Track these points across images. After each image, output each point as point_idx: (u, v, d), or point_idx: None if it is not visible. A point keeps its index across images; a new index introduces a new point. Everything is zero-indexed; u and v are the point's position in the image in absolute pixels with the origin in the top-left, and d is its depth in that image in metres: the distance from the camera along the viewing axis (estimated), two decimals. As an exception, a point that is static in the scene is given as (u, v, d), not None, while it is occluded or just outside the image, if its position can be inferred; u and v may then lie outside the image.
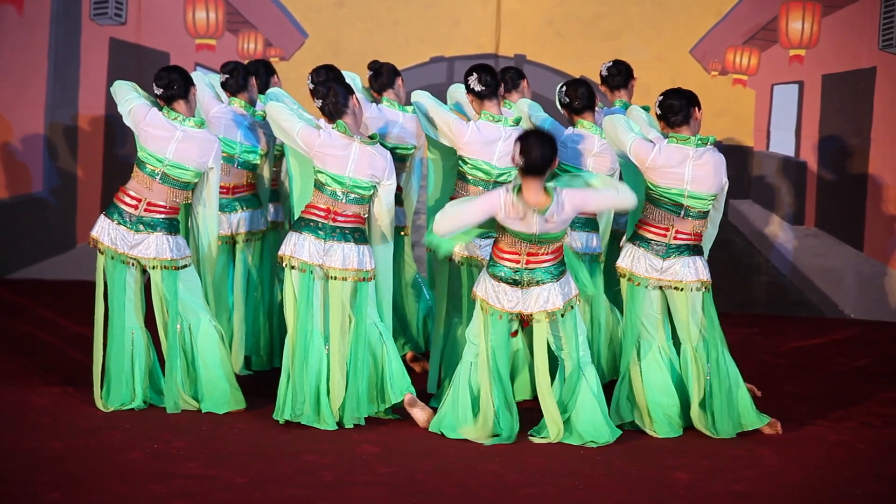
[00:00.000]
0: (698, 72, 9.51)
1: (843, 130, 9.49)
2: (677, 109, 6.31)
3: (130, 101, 6.48)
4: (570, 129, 6.96)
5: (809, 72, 9.51)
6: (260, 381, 7.10)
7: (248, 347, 7.29)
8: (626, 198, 6.14)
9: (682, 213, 6.32)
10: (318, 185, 6.32)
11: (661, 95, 6.37)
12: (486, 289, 6.17)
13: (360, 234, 6.36)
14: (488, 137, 6.65)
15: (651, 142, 6.35)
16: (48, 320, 8.45)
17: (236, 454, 5.89)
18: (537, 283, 6.13)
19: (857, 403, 7.10)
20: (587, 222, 6.99)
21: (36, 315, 8.61)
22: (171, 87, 6.44)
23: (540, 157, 5.93)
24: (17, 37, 9.70)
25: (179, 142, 6.41)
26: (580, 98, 6.89)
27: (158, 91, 6.46)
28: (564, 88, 6.97)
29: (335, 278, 6.30)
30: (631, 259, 6.39)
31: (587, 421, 6.19)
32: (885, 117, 9.40)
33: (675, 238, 6.34)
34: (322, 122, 6.35)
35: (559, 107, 7.05)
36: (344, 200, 6.29)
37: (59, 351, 7.64)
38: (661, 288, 6.37)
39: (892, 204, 9.48)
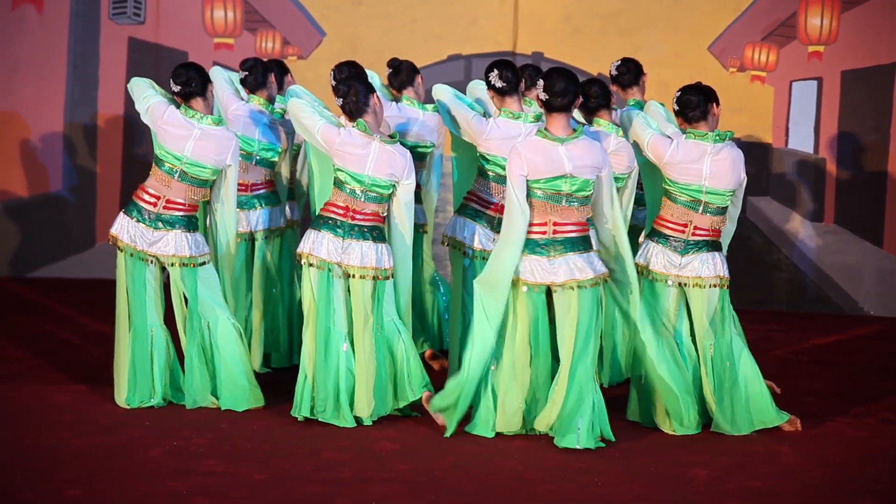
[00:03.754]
0: (716, 68, 9.48)
1: (863, 127, 9.46)
2: (695, 105, 6.30)
3: (148, 98, 6.50)
4: (587, 127, 6.94)
5: (828, 68, 9.48)
6: (279, 378, 7.12)
7: (266, 344, 7.31)
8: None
9: (701, 208, 6.31)
10: (338, 184, 6.33)
11: (678, 91, 6.36)
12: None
13: (378, 232, 6.36)
14: (508, 134, 6.64)
15: (669, 137, 6.35)
16: (68, 318, 8.48)
17: (255, 451, 5.91)
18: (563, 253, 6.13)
19: (876, 400, 7.07)
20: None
21: (56, 313, 8.64)
22: (189, 85, 6.45)
23: (563, 90, 6.01)
24: (37, 36, 9.74)
25: (197, 140, 6.43)
26: (595, 97, 6.88)
27: (176, 88, 6.48)
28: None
29: (353, 276, 6.31)
30: (649, 255, 6.38)
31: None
32: (905, 113, 9.37)
33: (693, 234, 6.33)
34: (343, 120, 6.36)
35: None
36: (363, 199, 6.30)
37: (79, 349, 7.67)
38: (679, 284, 6.36)
39: (911, 200, 9.45)
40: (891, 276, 9.45)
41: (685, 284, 6.35)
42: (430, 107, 7.15)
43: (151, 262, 6.49)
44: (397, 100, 7.24)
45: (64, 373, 7.10)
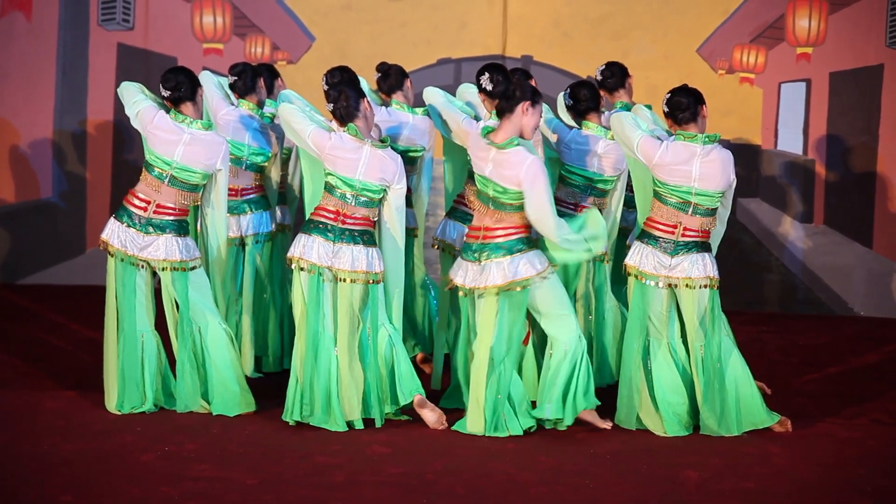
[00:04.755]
0: (705, 71, 9.51)
1: (851, 128, 9.49)
2: (685, 107, 6.31)
3: (138, 103, 6.50)
4: (575, 129, 6.96)
5: (817, 70, 9.51)
6: (270, 382, 7.12)
7: (257, 348, 7.31)
8: (557, 236, 6.21)
9: (690, 210, 6.33)
10: (328, 188, 6.33)
11: (668, 93, 6.37)
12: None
13: (369, 236, 6.37)
14: None
15: (658, 139, 6.36)
16: (59, 325, 8.47)
17: (247, 456, 5.91)
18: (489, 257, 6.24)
19: (867, 400, 7.09)
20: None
21: (47, 320, 8.63)
22: (179, 90, 6.45)
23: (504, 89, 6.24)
24: (26, 43, 9.73)
25: (187, 144, 6.43)
26: (584, 99, 6.91)
27: (166, 93, 6.48)
28: (568, 91, 7.00)
29: (344, 280, 6.32)
30: (639, 257, 6.40)
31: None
32: (893, 114, 9.39)
33: (683, 235, 6.34)
34: (334, 124, 6.37)
35: (564, 110, 7.07)
36: (353, 203, 6.31)
37: (70, 355, 7.67)
38: (669, 285, 6.38)
39: (900, 201, 9.47)
40: (881, 276, 9.47)
41: (675, 285, 6.36)
42: (419, 110, 7.15)
43: (142, 266, 6.49)
44: (387, 104, 7.24)
45: (55, 379, 7.10)
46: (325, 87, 6.76)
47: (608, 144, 6.85)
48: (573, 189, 6.96)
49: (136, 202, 6.47)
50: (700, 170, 6.27)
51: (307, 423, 6.32)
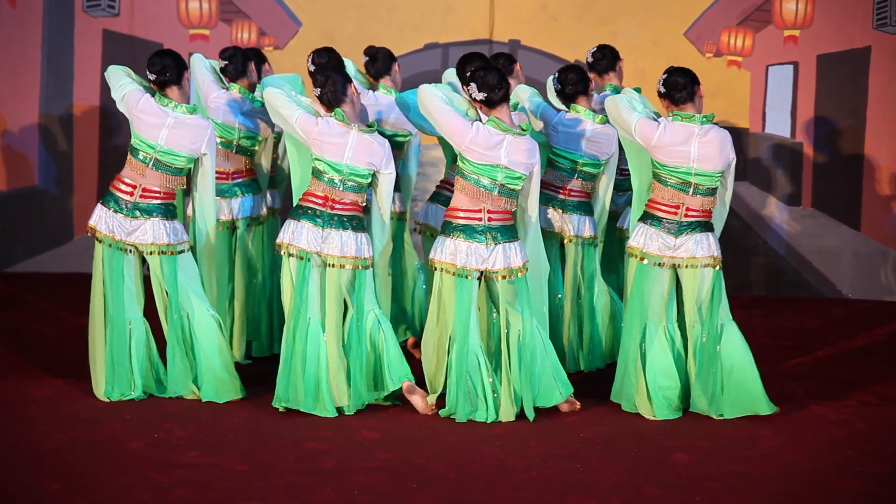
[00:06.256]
0: (693, 54, 9.50)
1: (839, 111, 9.49)
2: (682, 86, 6.28)
3: (124, 86, 6.47)
4: (563, 112, 6.95)
5: (804, 52, 9.51)
6: (260, 368, 7.11)
7: (248, 333, 7.30)
8: (537, 217, 6.35)
9: (691, 190, 6.31)
10: (316, 173, 6.31)
11: (665, 73, 6.34)
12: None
13: (357, 221, 6.36)
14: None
15: (656, 120, 6.32)
16: (47, 313, 8.45)
17: (237, 442, 5.90)
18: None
19: (855, 383, 7.10)
20: (580, 205, 7.00)
21: (35, 308, 8.61)
22: (164, 73, 6.43)
23: (497, 82, 6.14)
24: (11, 30, 9.68)
25: (171, 128, 6.41)
26: (571, 83, 6.90)
27: (151, 77, 6.45)
28: (556, 75, 6.98)
29: (333, 265, 6.31)
30: (643, 238, 6.37)
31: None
32: (881, 97, 9.40)
33: (685, 215, 6.32)
34: (321, 109, 6.34)
35: (553, 94, 7.05)
36: (341, 188, 6.29)
37: (58, 343, 7.64)
38: (673, 266, 6.35)
39: (888, 183, 9.48)
40: (868, 259, 9.49)
41: (679, 266, 6.34)
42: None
43: (130, 251, 6.47)
44: (374, 88, 7.22)
45: (43, 367, 7.07)
46: (311, 68, 6.71)
47: (597, 128, 6.84)
48: (560, 172, 6.96)
49: (123, 187, 6.45)
50: (699, 150, 6.26)
51: (296, 410, 6.31)
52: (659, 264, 6.34)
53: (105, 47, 9.69)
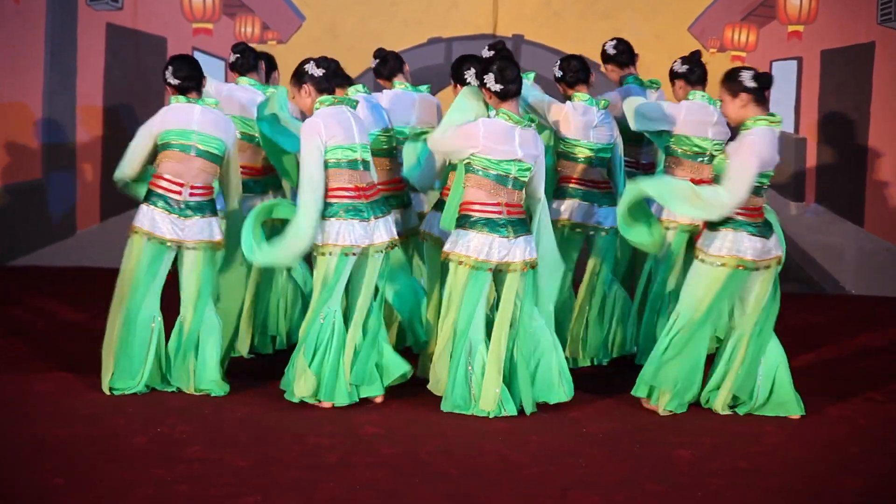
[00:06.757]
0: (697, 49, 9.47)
1: (843, 106, 9.48)
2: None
3: (134, 144, 6.53)
4: (568, 102, 7.00)
5: (808, 48, 9.49)
6: (263, 363, 7.11)
7: (256, 326, 7.30)
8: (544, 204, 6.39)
9: (763, 191, 6.31)
10: (348, 164, 6.30)
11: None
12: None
13: (389, 200, 6.60)
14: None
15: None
16: (49, 307, 8.45)
17: (240, 437, 5.90)
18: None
19: (858, 379, 7.10)
20: (605, 196, 7.03)
21: (36, 302, 8.61)
22: (189, 80, 6.48)
23: (515, 76, 6.19)
24: (14, 25, 9.68)
25: (200, 113, 6.46)
26: (573, 71, 7.00)
27: (174, 81, 6.47)
28: (558, 63, 7.06)
29: (378, 252, 6.35)
30: (735, 245, 6.20)
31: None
32: (885, 92, 9.39)
33: (761, 215, 6.27)
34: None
35: (555, 83, 7.12)
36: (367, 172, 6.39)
37: (60, 338, 7.64)
38: (756, 269, 6.27)
39: (892, 179, 9.47)
40: (872, 255, 9.48)
41: (769, 267, 6.28)
42: (423, 88, 7.23)
43: (172, 248, 6.46)
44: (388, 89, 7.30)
45: (45, 362, 7.07)
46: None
47: (602, 115, 6.97)
48: (573, 162, 7.00)
49: (169, 185, 6.44)
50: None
51: (300, 404, 6.31)
52: (754, 268, 6.21)
53: (108, 41, 9.68)
